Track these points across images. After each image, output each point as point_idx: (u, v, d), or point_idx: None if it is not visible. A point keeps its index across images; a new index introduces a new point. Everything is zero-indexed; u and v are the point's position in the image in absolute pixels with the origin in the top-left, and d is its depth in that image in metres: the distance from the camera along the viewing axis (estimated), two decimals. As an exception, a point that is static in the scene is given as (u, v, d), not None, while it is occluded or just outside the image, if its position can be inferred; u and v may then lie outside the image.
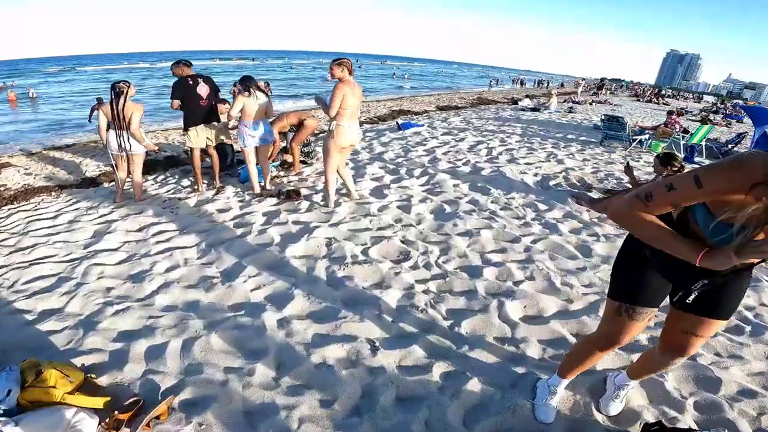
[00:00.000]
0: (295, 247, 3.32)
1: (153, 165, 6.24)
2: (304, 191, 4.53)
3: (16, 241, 3.59)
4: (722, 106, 28.23)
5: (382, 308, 2.60)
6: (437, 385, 2.00)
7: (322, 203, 4.16)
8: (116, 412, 1.74)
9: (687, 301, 1.31)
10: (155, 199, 4.61)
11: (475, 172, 5.31)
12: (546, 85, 41.49)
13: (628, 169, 4.29)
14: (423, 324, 2.47)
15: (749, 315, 2.67)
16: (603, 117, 7.77)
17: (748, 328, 2.51)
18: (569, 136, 8.43)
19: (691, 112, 19.74)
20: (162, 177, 5.65)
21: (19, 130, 12.41)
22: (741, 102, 38.51)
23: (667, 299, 1.44)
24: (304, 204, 4.14)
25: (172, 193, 4.84)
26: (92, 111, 9.48)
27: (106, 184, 5.27)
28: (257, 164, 4.56)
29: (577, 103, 17.89)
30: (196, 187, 4.76)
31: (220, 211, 4.12)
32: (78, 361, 2.16)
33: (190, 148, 4.54)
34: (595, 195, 4.67)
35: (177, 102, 4.28)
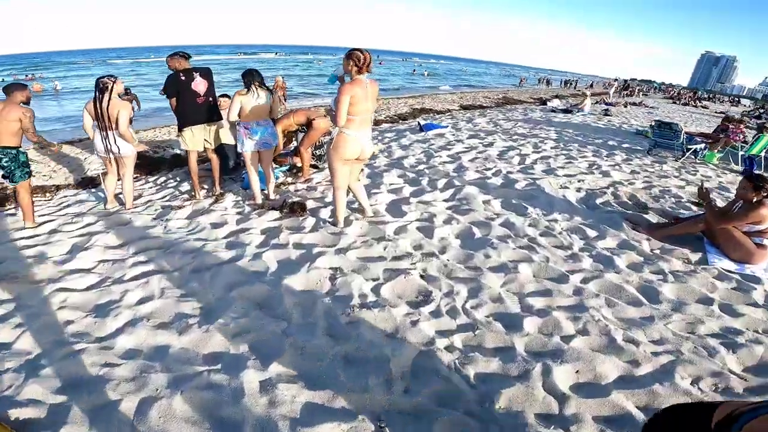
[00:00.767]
0: (293, 279, 2.74)
1: (158, 164, 5.81)
2: (310, 203, 3.95)
3: (-18, 255, 3.15)
4: (763, 110, 26.31)
5: (394, 372, 2.01)
6: None
7: (330, 220, 3.57)
8: None
9: None
10: (148, 207, 4.13)
11: (508, 184, 4.63)
12: (574, 85, 39.82)
13: (705, 193, 3.55)
14: (445, 395, 1.90)
15: None
16: (653, 123, 6.92)
17: None
18: (611, 143, 7.58)
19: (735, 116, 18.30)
20: (163, 179, 5.20)
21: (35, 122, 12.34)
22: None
23: None
24: (309, 221, 3.56)
25: (168, 200, 4.35)
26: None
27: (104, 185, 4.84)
28: (259, 170, 4.02)
29: (611, 104, 16.79)
30: (193, 194, 4.26)
31: (214, 225, 3.59)
32: (13, 414, 1.75)
33: (185, 151, 4.03)
34: (652, 218, 3.93)
35: (173, 99, 3.77)
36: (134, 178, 5.27)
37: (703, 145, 6.66)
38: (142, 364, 2.06)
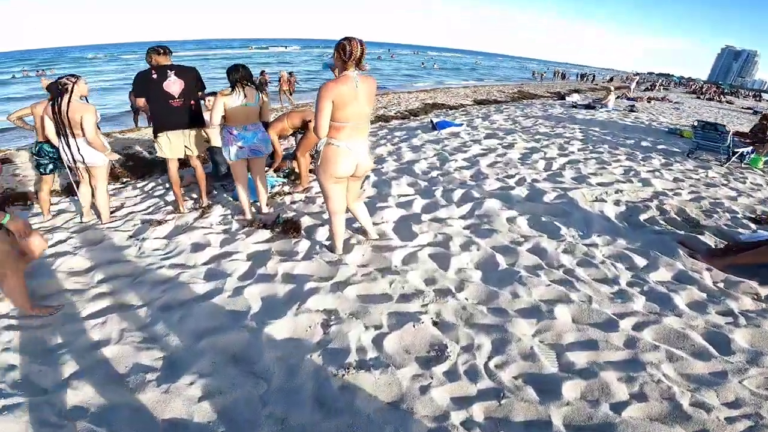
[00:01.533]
0: (277, 324, 2.23)
1: (151, 166, 5.36)
2: (306, 220, 3.43)
3: None
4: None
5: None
6: None
7: (327, 243, 3.04)
8: None
9: None
10: (127, 221, 3.66)
11: (535, 196, 4.03)
12: (591, 79, 38.35)
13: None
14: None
15: None
16: (696, 123, 6.19)
17: None
18: (644, 144, 6.87)
19: (761, 112, 17.19)
20: (153, 185, 4.74)
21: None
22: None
23: None
24: (304, 245, 3.04)
25: (150, 212, 3.89)
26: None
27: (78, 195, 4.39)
28: (247, 181, 3.51)
29: (634, 99, 15.87)
30: (178, 206, 3.78)
31: (195, 247, 3.09)
32: None
33: (164, 158, 3.54)
34: (708, 239, 3.32)
35: (141, 100, 3.26)
36: (122, 183, 4.85)
37: (750, 149, 5.94)
38: (85, 429, 1.65)
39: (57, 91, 2.96)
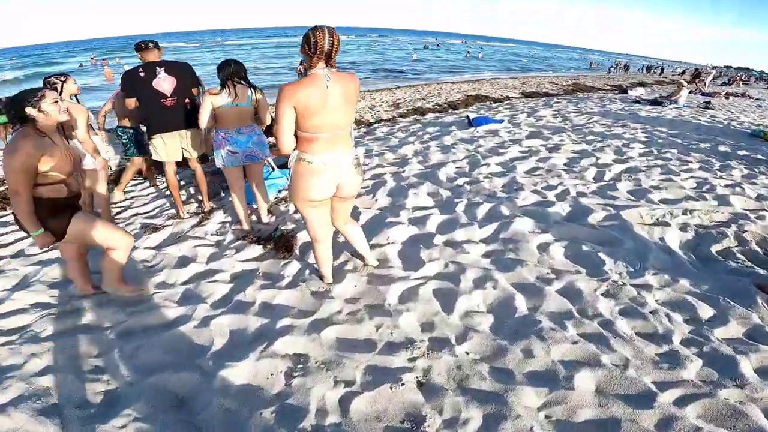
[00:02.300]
0: (236, 368, 1.89)
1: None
2: (304, 236, 3.04)
3: None
4: None
5: None
6: None
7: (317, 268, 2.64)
8: None
9: None
10: (127, 225, 3.50)
11: (578, 215, 3.37)
12: (659, 72, 34.67)
13: None
14: None
15: None
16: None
17: None
18: (722, 148, 5.80)
19: None
20: (166, 185, 4.59)
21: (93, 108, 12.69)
22: None
23: None
24: (293, 268, 2.66)
25: (153, 215, 3.71)
26: None
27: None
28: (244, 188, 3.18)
29: (709, 95, 13.97)
30: (178, 211, 3.56)
31: (180, 263, 2.83)
32: None
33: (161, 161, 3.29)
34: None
35: (131, 100, 3.01)
36: (143, 179, 4.74)
37: None
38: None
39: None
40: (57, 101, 1.94)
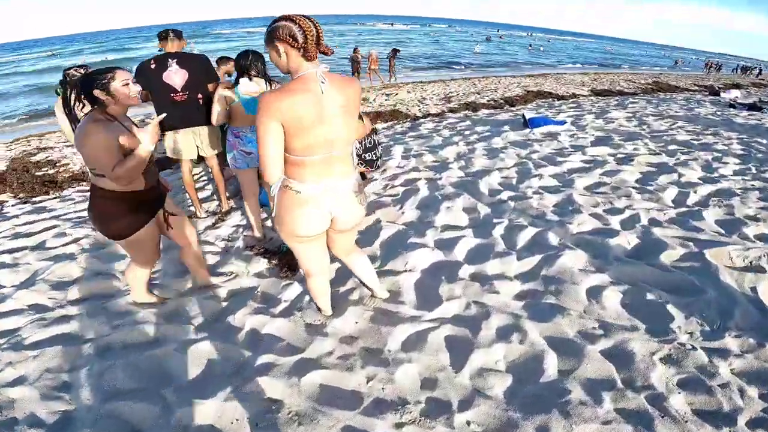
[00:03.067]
0: (200, 407, 1.66)
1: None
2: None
3: None
4: None
5: None
6: None
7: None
8: None
9: None
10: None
11: (647, 252, 2.70)
12: (757, 73, 29.99)
13: None
14: None
15: None
16: None
17: None
18: None
19: None
20: (197, 175, 4.53)
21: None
22: None
23: None
24: (293, 291, 2.34)
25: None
26: None
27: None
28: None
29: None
30: (195, 210, 3.41)
31: (180, 272, 2.64)
32: None
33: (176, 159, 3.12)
34: None
35: (144, 93, 2.82)
36: (173, 169, 4.73)
37: None
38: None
39: (66, 84, 2.67)
40: (128, 83, 1.73)
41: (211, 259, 2.73)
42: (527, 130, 6.05)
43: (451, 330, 2.00)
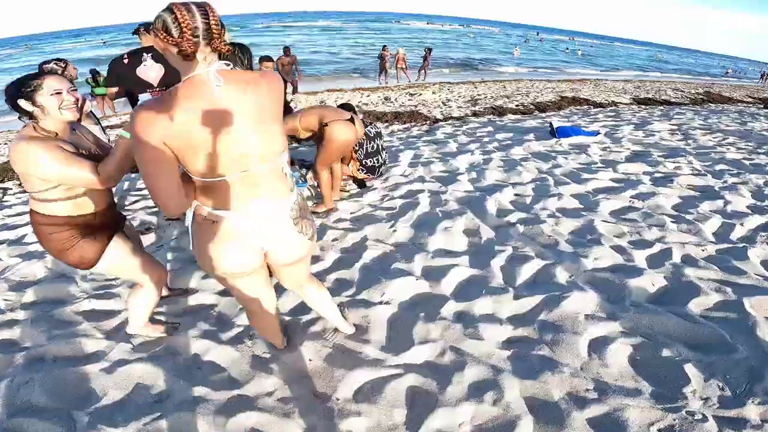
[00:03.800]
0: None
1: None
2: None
3: None
4: None
5: None
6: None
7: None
8: None
9: None
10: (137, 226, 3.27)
11: (674, 296, 2.25)
12: None
13: None
14: None
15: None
16: None
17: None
18: None
19: None
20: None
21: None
22: None
23: None
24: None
25: (157, 210, 3.45)
26: None
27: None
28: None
29: None
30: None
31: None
32: None
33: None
34: None
35: (112, 90, 2.65)
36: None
37: None
38: None
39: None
40: (60, 92, 1.43)
41: (177, 269, 2.52)
42: (554, 140, 5.56)
43: (415, 380, 1.68)
